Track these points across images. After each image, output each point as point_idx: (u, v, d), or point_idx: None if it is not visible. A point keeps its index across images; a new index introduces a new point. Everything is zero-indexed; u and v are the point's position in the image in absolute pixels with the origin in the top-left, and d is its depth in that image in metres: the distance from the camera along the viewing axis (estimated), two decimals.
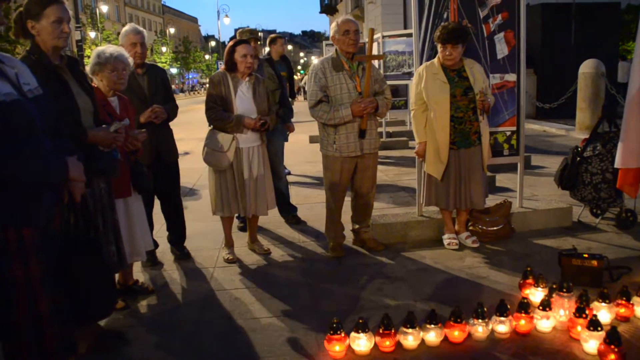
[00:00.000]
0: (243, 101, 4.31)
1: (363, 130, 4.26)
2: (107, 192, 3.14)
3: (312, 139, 11.38)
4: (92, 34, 37.86)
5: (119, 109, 3.49)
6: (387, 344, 2.94)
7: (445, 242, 4.62)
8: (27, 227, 2.10)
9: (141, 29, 4.33)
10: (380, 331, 2.96)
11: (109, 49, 3.43)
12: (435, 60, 4.33)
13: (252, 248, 4.76)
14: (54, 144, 2.22)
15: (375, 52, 9.94)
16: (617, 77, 13.40)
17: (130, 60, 3.53)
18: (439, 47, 4.25)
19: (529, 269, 3.65)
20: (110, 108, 3.39)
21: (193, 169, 7.86)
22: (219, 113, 4.24)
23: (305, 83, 34.68)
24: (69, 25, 2.76)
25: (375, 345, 2.96)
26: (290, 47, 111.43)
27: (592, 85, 10.87)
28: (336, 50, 4.31)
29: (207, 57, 64.48)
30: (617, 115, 5.10)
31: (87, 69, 3.45)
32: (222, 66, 4.48)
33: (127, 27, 4.30)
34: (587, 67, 10.93)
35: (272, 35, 6.60)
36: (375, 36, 7.12)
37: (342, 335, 2.93)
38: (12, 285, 2.05)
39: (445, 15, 4.71)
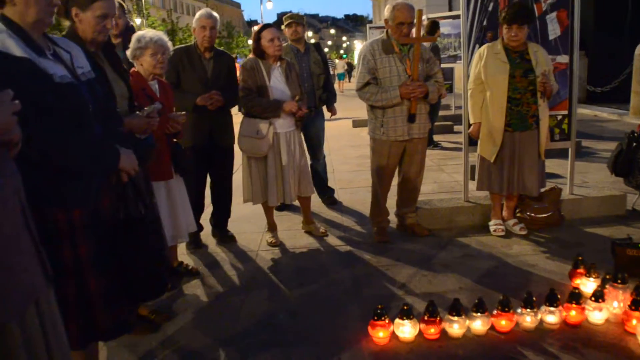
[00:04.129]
0: (277, 86, 4.28)
1: (412, 114, 4.18)
2: (144, 178, 3.15)
3: (356, 124, 11.31)
4: (137, 21, 38.50)
5: (159, 92, 3.51)
6: (432, 331, 2.89)
7: (492, 228, 4.50)
8: (76, 208, 2.13)
9: (214, 14, 4.37)
10: (425, 318, 2.91)
11: (148, 33, 3.44)
12: (498, 41, 4.19)
13: (308, 230, 4.75)
14: (106, 128, 2.24)
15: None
16: None
17: (170, 45, 3.54)
18: (504, 28, 4.09)
19: (580, 258, 3.52)
20: (150, 91, 3.42)
21: (237, 153, 7.87)
22: (257, 99, 4.22)
23: (346, 67, 34.46)
24: (113, 20, 2.76)
25: (420, 332, 2.91)
26: (332, 31, 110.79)
27: None
28: (387, 32, 4.23)
29: (250, 42, 64.78)
30: None
31: (128, 53, 3.47)
32: (251, 53, 4.45)
33: (201, 11, 4.37)
34: None
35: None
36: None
37: (387, 321, 2.89)
38: (60, 266, 2.08)
39: None
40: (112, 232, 2.30)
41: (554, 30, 4.73)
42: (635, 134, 4.84)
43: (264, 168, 4.32)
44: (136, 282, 2.42)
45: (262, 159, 4.30)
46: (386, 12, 4.18)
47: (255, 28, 4.51)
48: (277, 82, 4.28)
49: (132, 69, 3.45)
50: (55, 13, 2.57)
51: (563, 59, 4.78)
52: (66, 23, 2.69)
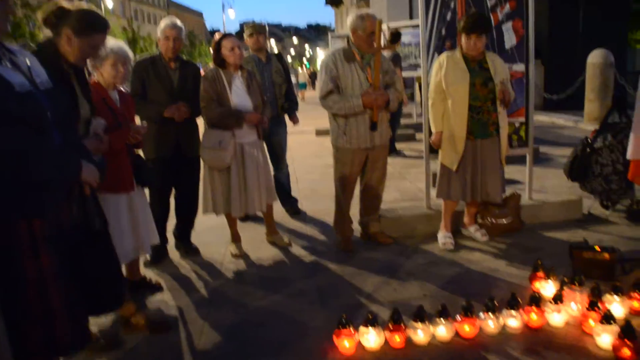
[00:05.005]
0: (238, 96, 4.26)
1: (374, 122, 4.22)
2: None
3: (319, 133, 11.32)
4: None
5: (119, 102, 3.46)
6: (397, 339, 2.91)
7: (440, 241, 4.50)
8: (37, 218, 2.08)
9: (179, 24, 4.34)
10: (390, 326, 2.93)
11: (109, 42, 3.38)
12: (457, 50, 4.26)
13: (272, 240, 4.73)
14: (66, 138, 2.21)
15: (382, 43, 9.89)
16: (626, 67, 13.23)
17: (131, 55, 3.50)
18: (463, 37, 4.16)
19: (539, 262, 3.60)
20: (111, 102, 3.36)
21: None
22: (218, 109, 4.19)
23: (307, 77, 34.63)
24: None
25: (385, 340, 2.93)
26: (295, 40, 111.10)
27: (601, 76, 10.73)
28: (348, 41, 4.25)
29: (212, 50, 64.43)
30: (627, 105, 5.04)
31: (88, 62, 3.41)
32: (210, 64, 4.43)
33: (165, 20, 4.35)
34: (595, 57, 10.80)
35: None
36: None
37: (352, 330, 2.90)
38: (23, 278, 2.04)
39: (452, 5, 4.65)
40: (73, 244, 2.25)
41: (510, 40, 4.85)
42: (589, 140, 4.99)
43: (226, 179, 4.29)
44: (94, 295, 2.38)
45: (224, 169, 4.27)
46: (354, 21, 4.17)
47: (216, 37, 4.50)
48: (238, 92, 4.26)
49: (92, 79, 3.39)
50: (45, 23, 2.55)
51: (519, 67, 4.91)
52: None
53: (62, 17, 2.59)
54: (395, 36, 8.66)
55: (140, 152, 3.74)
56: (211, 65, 4.40)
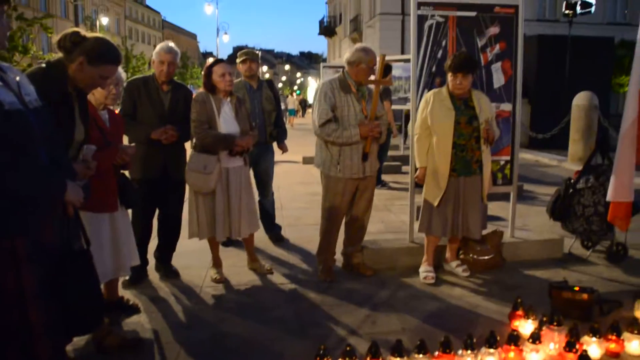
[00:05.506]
0: (227, 121, 4.27)
1: (366, 153, 4.27)
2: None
3: (306, 160, 11.35)
4: None
5: (109, 122, 3.46)
6: None
7: (422, 275, 4.50)
8: (20, 236, 2.07)
9: (175, 49, 4.38)
10: (368, 359, 2.91)
11: None
12: (444, 88, 4.34)
13: (253, 267, 4.70)
14: (53, 158, 2.21)
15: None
16: (609, 110, 13.51)
17: (124, 76, 3.52)
18: (449, 76, 4.25)
19: (519, 300, 3.61)
20: (100, 122, 3.37)
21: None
22: (209, 131, 4.20)
23: (297, 103, 34.90)
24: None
25: None
26: (287, 66, 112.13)
27: (585, 118, 10.96)
28: (344, 72, 4.32)
29: (203, 75, 64.72)
30: (610, 147, 5.13)
31: None
32: (200, 89, 4.45)
33: (161, 44, 4.38)
34: (580, 99, 11.04)
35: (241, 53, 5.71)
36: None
37: None
38: (2, 296, 2.02)
39: (443, 43, 4.74)
40: (54, 264, 2.24)
41: (498, 80, 4.94)
42: (572, 181, 5.07)
43: (211, 203, 4.28)
44: (73, 315, 2.35)
45: (209, 193, 4.26)
46: (357, 54, 4.24)
47: (210, 60, 4.53)
48: (226, 117, 4.28)
49: None
50: (60, 46, 2.60)
51: (507, 106, 4.99)
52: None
53: (78, 44, 2.63)
54: (386, 69, 8.79)
55: (127, 173, 3.73)
56: (201, 89, 4.42)
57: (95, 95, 3.38)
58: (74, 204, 2.33)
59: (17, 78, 2.17)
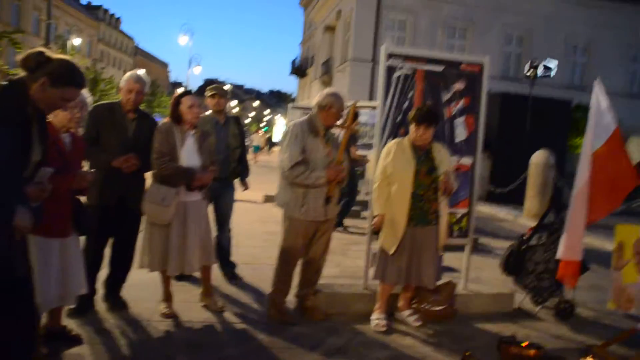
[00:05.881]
0: (189, 154, 4.27)
1: (329, 197, 4.32)
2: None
3: (267, 199, 11.27)
4: None
5: (70, 146, 3.41)
6: None
7: (373, 322, 4.48)
8: None
9: (144, 78, 4.37)
10: None
11: None
12: (406, 138, 4.43)
13: (206, 303, 4.60)
14: (6, 183, 2.16)
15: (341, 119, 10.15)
16: (565, 169, 13.95)
17: (89, 100, 3.49)
18: (413, 127, 4.34)
19: (467, 353, 3.65)
20: (61, 144, 3.32)
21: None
22: (170, 163, 4.17)
23: (263, 141, 35.12)
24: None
25: None
26: (256, 103, 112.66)
27: (542, 175, 11.31)
28: (313, 115, 4.38)
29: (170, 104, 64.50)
30: (563, 206, 5.29)
31: None
32: (166, 118, 4.44)
33: (131, 73, 4.37)
34: (538, 157, 11.40)
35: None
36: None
37: None
38: None
39: (410, 95, 4.85)
40: None
41: (461, 134, 5.07)
42: (525, 237, 5.19)
43: (165, 235, 4.22)
44: (4, 345, 2.26)
45: (165, 225, 4.20)
46: (328, 98, 4.34)
47: (179, 90, 4.53)
48: (188, 150, 4.27)
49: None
50: (23, 65, 2.55)
51: (467, 160, 5.11)
52: None
53: (43, 64, 2.58)
54: (354, 115, 8.96)
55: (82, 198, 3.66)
56: (166, 120, 4.40)
57: (59, 117, 3.34)
58: (22, 229, 2.27)
59: None
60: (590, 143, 4.25)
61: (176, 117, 4.27)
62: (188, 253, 4.26)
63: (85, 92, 3.49)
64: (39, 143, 2.74)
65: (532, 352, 3.79)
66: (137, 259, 4.31)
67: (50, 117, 3.35)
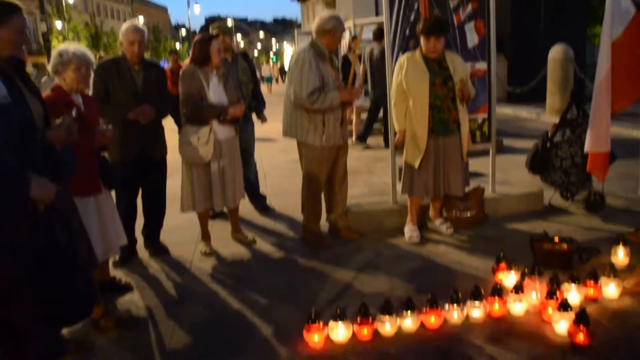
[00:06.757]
0: (216, 93, 4.32)
1: (343, 119, 4.40)
2: (66, 198, 3.06)
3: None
4: (58, 25, 37.02)
5: (83, 107, 3.44)
6: (365, 332, 2.99)
7: (407, 235, 4.60)
8: None
9: (142, 27, 4.31)
10: (358, 320, 3.01)
11: (70, 47, 3.39)
12: (417, 51, 4.35)
13: (237, 238, 4.77)
14: (20, 157, 2.18)
15: (347, 38, 9.95)
16: (586, 61, 13.59)
17: (93, 58, 3.49)
18: (422, 39, 4.26)
19: (501, 254, 3.73)
20: (74, 106, 3.34)
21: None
22: (200, 102, 4.23)
23: (272, 71, 34.62)
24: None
25: (354, 333, 3.00)
26: (262, 34, 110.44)
27: (561, 70, 11.03)
28: (315, 40, 4.32)
29: (177, 45, 63.81)
30: (585, 99, 5.21)
31: (49, 67, 3.40)
32: (187, 60, 4.44)
33: (127, 25, 4.29)
34: (556, 52, 11.09)
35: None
36: (347, 24, 7.17)
37: (321, 325, 2.97)
38: None
39: (415, 6, 4.72)
40: (35, 258, 2.24)
41: (472, 39, 4.95)
42: (549, 135, 5.16)
43: (205, 175, 4.35)
44: (63, 306, 2.38)
45: (203, 166, 4.31)
46: (330, 22, 4.28)
47: (202, 37, 4.42)
48: (215, 89, 4.33)
49: (54, 83, 3.37)
50: None
51: (482, 65, 5.02)
52: None
53: None
54: (381, 32, 8.88)
55: (106, 155, 3.73)
56: (187, 63, 4.42)
57: (67, 80, 3.35)
58: (42, 200, 2.30)
59: None
60: (609, 31, 4.12)
61: (202, 60, 4.28)
62: (228, 188, 4.43)
63: (88, 51, 3.49)
64: (30, 94, 2.68)
65: (564, 246, 3.84)
66: (181, 203, 4.44)
67: (58, 81, 3.37)
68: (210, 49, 4.26)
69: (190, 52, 4.43)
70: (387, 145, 8.71)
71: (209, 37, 4.32)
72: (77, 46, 3.43)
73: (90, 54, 3.47)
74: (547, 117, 11.16)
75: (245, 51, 6.10)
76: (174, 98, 4.54)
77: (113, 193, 3.89)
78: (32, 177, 2.22)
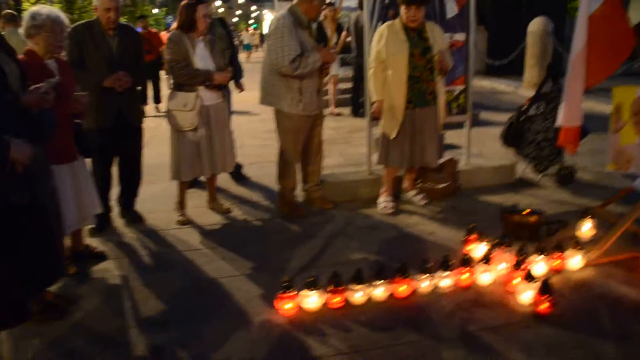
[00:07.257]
0: (203, 59, 4.30)
1: (319, 89, 4.42)
2: (43, 162, 3.04)
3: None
4: None
5: (58, 72, 3.38)
6: (336, 300, 3.06)
7: (380, 205, 4.65)
8: None
9: None
10: (330, 288, 3.06)
11: (43, 10, 3.29)
12: (397, 20, 4.34)
13: (213, 207, 4.79)
14: None
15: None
16: (564, 34, 13.60)
17: (67, 21, 3.41)
18: (403, 8, 4.24)
19: (472, 225, 3.80)
20: (48, 72, 3.27)
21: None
22: (187, 67, 4.20)
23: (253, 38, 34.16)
24: None
25: (325, 302, 3.07)
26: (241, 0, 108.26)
27: (540, 43, 11.05)
28: (295, 8, 4.27)
29: (155, 10, 62.17)
30: (562, 73, 5.25)
31: (21, 31, 3.32)
32: (173, 26, 4.40)
33: None
34: (535, 25, 11.09)
35: None
36: None
37: (293, 293, 3.02)
38: None
39: None
40: (8, 221, 2.25)
41: (452, 9, 4.95)
42: (523, 108, 5.21)
43: (194, 141, 4.32)
44: (31, 269, 2.38)
45: (191, 131, 4.29)
46: None
47: (189, 1, 4.36)
48: (202, 55, 4.30)
49: (27, 47, 3.29)
50: None
51: (461, 36, 5.03)
52: None
53: None
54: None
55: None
56: (173, 29, 4.38)
57: (40, 44, 3.28)
58: (21, 161, 2.31)
59: None
60: (586, 4, 4.14)
61: (190, 25, 4.23)
62: (217, 155, 4.43)
63: (61, 14, 3.40)
64: (4, 54, 2.60)
65: (532, 218, 3.94)
66: (170, 171, 4.44)
67: (31, 45, 3.29)
68: (196, 15, 4.22)
69: (176, 18, 4.37)
70: (355, 114, 8.77)
71: (195, 2, 4.24)
72: (50, 9, 3.35)
73: (64, 17, 3.39)
74: (524, 90, 11.22)
75: (222, 17, 6.02)
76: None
77: (88, 161, 3.87)
78: (11, 139, 2.22)
